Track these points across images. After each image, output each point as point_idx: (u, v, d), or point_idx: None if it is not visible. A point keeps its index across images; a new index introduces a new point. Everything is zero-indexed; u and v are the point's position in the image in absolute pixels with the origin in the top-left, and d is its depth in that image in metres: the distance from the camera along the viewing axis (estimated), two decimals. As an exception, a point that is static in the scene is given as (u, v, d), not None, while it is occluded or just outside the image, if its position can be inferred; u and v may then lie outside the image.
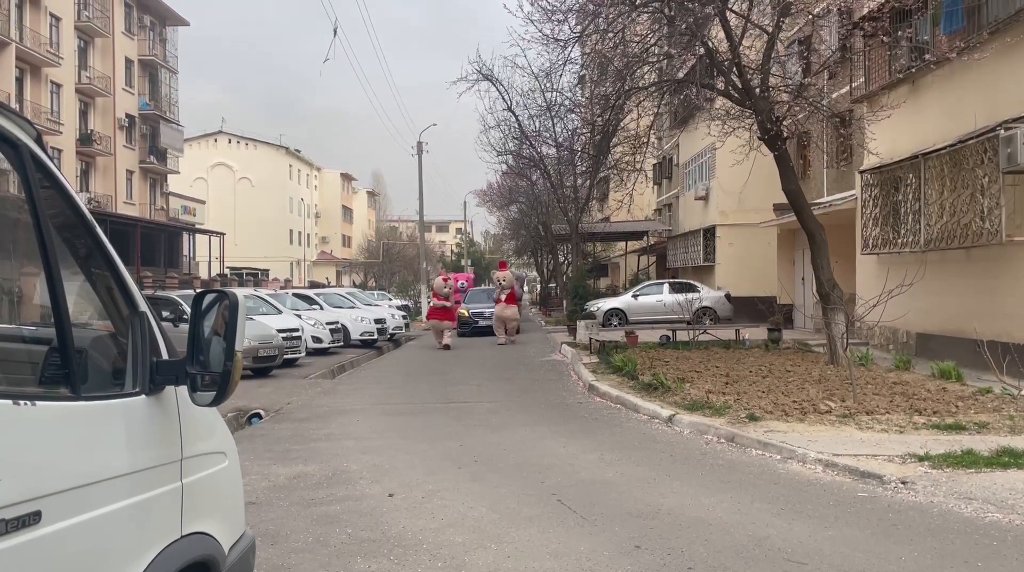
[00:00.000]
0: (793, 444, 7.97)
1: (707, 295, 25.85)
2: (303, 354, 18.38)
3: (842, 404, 9.79)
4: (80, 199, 2.35)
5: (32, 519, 1.84)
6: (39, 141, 2.20)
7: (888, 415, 9.28)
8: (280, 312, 19.72)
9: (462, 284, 36.28)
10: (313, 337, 19.95)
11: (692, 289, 25.28)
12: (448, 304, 23.29)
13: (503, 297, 23.61)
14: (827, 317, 13.92)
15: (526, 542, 5.45)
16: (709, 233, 30.21)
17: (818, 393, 10.59)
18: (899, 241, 15.72)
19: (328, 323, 21.09)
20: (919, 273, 12.89)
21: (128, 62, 44.42)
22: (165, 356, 2.54)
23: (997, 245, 12.47)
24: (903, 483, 6.65)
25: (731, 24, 14.19)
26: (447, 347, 22.23)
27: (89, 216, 2.35)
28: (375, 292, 41.89)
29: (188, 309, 14.49)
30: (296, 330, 18.15)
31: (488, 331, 25.31)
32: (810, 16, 15.21)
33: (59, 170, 2.28)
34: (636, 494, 6.63)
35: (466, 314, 27.66)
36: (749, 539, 5.40)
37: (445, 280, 24.08)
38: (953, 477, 6.76)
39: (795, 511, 6.07)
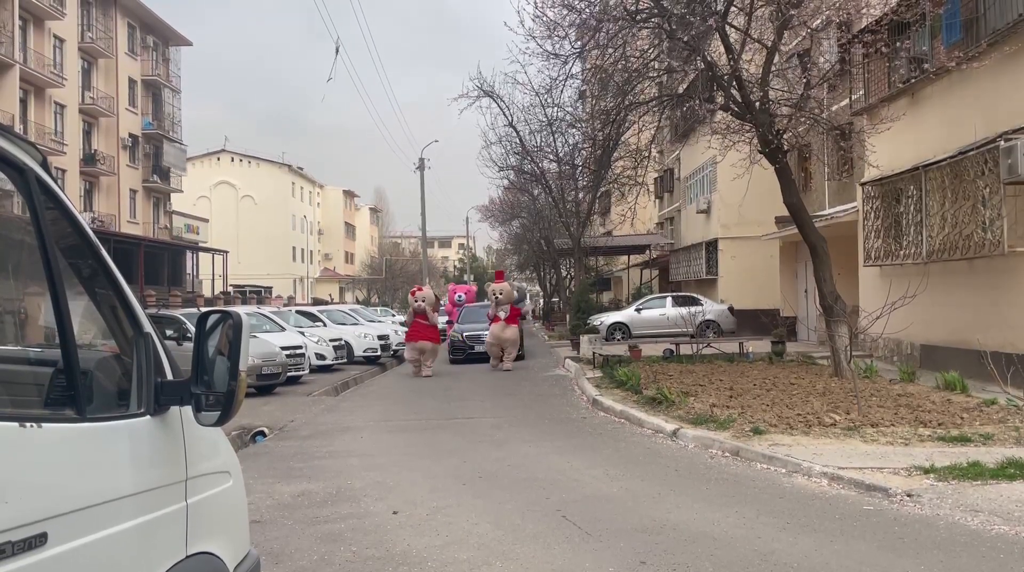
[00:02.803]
0: (798, 457, 7.95)
1: (710, 308, 25.81)
2: (307, 371, 18.40)
3: (847, 417, 9.76)
4: (85, 221, 2.37)
5: (38, 541, 1.85)
6: (44, 165, 2.22)
7: (893, 427, 9.25)
8: (283, 329, 19.76)
9: (460, 296, 32.97)
10: (316, 354, 19.97)
11: (695, 302, 25.24)
12: (427, 322, 19.39)
13: (501, 314, 19.92)
14: (830, 329, 13.91)
15: (531, 559, 5.43)
16: (711, 246, 30.24)
17: (822, 406, 10.56)
18: (901, 253, 15.71)
19: (331, 340, 21.12)
20: (922, 284, 12.89)
21: (131, 82, 44.71)
22: (170, 376, 2.55)
23: (999, 256, 12.46)
24: (909, 496, 6.63)
25: (731, 38, 14.26)
26: (424, 373, 18.86)
27: (94, 238, 2.38)
28: (378, 308, 41.91)
29: (192, 328, 14.62)
30: (300, 347, 18.17)
31: (487, 357, 21.05)
32: (809, 30, 15.28)
33: (64, 193, 2.31)
34: (641, 509, 6.61)
35: (460, 337, 23.12)
36: (755, 554, 5.38)
37: (413, 294, 19.95)
38: (959, 489, 6.73)
39: (801, 525, 6.05)
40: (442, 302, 20.90)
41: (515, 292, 29.84)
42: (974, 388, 11.67)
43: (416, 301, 19.47)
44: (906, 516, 6.23)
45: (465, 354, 22.62)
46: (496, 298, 20.24)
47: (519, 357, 21.63)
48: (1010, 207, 12.24)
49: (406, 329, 20.56)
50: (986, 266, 13.17)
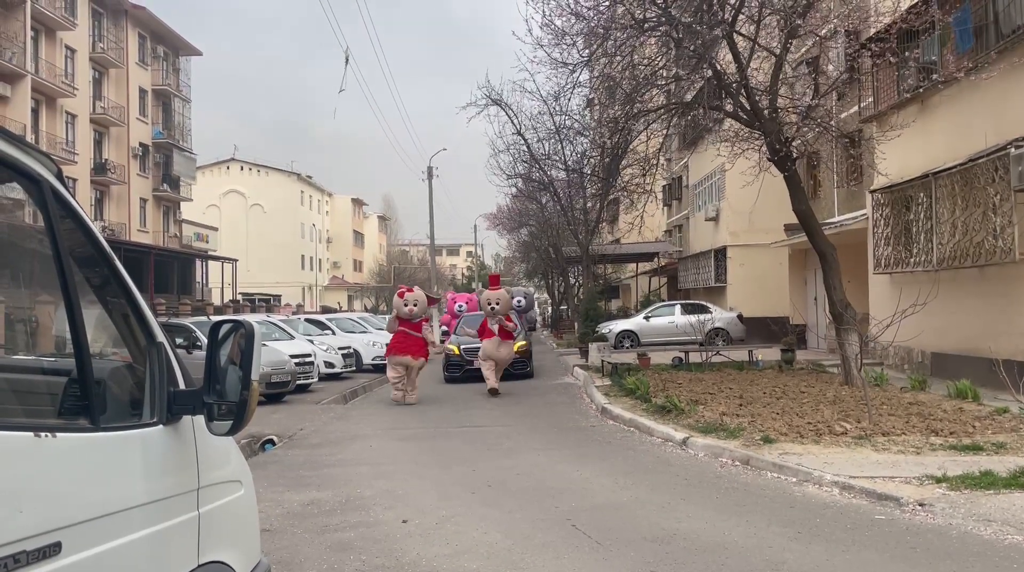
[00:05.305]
0: (809, 466, 7.91)
1: (719, 316, 25.71)
2: (316, 379, 18.42)
3: (857, 425, 9.72)
4: (99, 232, 2.39)
5: (52, 550, 1.86)
6: (59, 176, 2.24)
7: (904, 436, 9.20)
8: (292, 338, 19.80)
9: (460, 306, 28.98)
10: (325, 362, 20.00)
11: (704, 310, 25.13)
12: (415, 333, 15.40)
13: (495, 328, 16.65)
14: (840, 337, 13.86)
15: (540, 568, 5.42)
16: (720, 254, 30.17)
17: (833, 414, 10.52)
18: (911, 260, 15.65)
19: (340, 348, 21.16)
20: (932, 292, 12.83)
21: (142, 92, 45.00)
22: (182, 385, 2.56)
23: (1010, 263, 12.40)
24: (921, 505, 6.58)
25: (739, 46, 14.27)
26: (408, 400, 15.16)
27: (108, 248, 2.39)
28: (387, 316, 41.88)
29: (201, 336, 14.65)
30: (309, 356, 18.20)
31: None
32: (817, 38, 15.28)
33: (78, 204, 2.32)
34: (651, 518, 6.59)
35: (456, 351, 19.75)
36: (765, 563, 5.35)
37: (401, 295, 15.81)
38: (971, 499, 6.68)
39: (812, 534, 6.01)
40: (442, 308, 15.34)
41: (522, 299, 29.13)
42: (986, 397, 11.60)
43: (406, 303, 15.41)
44: (918, 525, 6.19)
45: (463, 371, 19.44)
46: (492, 309, 16.84)
47: (527, 374, 19.65)
48: (1021, 214, 12.18)
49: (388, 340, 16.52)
50: (997, 274, 13.10)
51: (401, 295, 15.79)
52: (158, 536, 2.30)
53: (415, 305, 15.42)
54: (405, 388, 15.19)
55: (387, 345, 16.24)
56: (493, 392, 16.11)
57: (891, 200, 16.58)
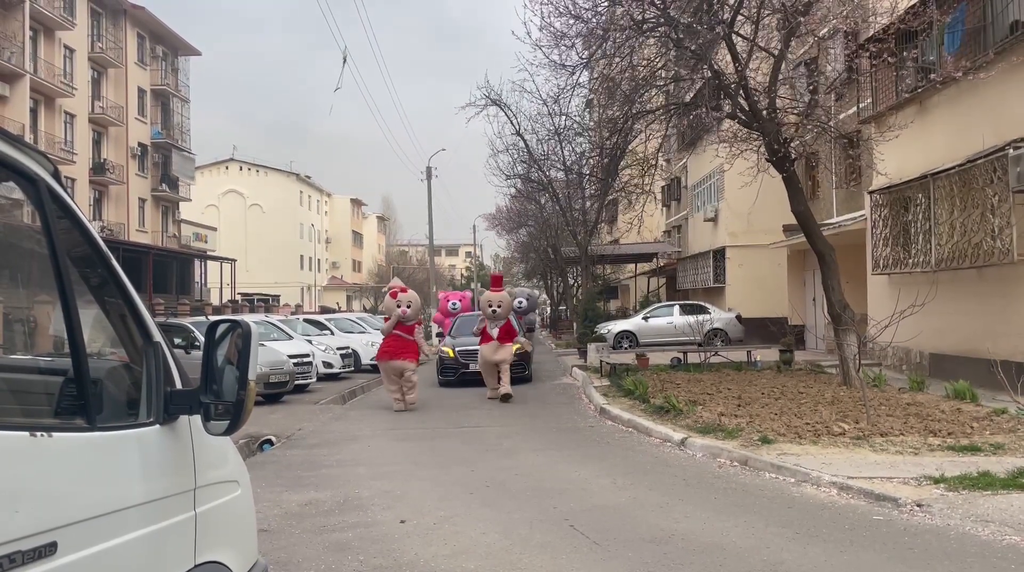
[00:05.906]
0: (807, 467, 7.91)
1: (718, 317, 25.74)
2: (314, 380, 18.40)
3: (856, 426, 9.72)
4: (95, 231, 2.39)
5: (48, 550, 1.85)
6: (56, 175, 2.24)
7: (902, 437, 9.21)
8: (291, 338, 19.78)
9: (454, 304, 28.35)
10: (324, 362, 19.98)
11: (703, 311, 25.14)
12: (407, 336, 14.59)
13: (494, 331, 15.77)
14: (839, 338, 13.86)
15: (539, 568, 5.42)
16: (719, 254, 30.20)
17: (831, 415, 10.52)
18: (910, 261, 15.67)
19: (339, 348, 21.14)
20: (931, 293, 12.83)
21: (141, 92, 44.97)
22: (179, 385, 2.56)
23: (1009, 264, 12.41)
24: (919, 506, 6.59)
25: (737, 47, 14.27)
26: (406, 402, 14.39)
27: (104, 248, 2.39)
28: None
29: (199, 336, 14.62)
30: (307, 356, 18.18)
31: (481, 378, 16.56)
32: (816, 38, 15.29)
33: (75, 203, 2.32)
34: (649, 519, 6.59)
35: (451, 354, 18.77)
36: (764, 564, 5.35)
37: (394, 295, 14.94)
38: (969, 499, 6.69)
39: (810, 535, 6.01)
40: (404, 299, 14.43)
41: (524, 300, 28.93)
42: (984, 397, 11.61)
43: (399, 304, 14.53)
44: (916, 526, 6.20)
45: (457, 374, 18.59)
46: (493, 312, 15.95)
47: (526, 378, 18.58)
48: (1019, 215, 12.20)
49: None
50: (995, 274, 13.12)
51: (394, 295, 14.89)
52: (155, 536, 2.30)
53: (408, 306, 14.58)
54: (404, 394, 14.43)
55: (378, 350, 15.32)
56: (493, 399, 15.54)
57: (890, 201, 16.60)
